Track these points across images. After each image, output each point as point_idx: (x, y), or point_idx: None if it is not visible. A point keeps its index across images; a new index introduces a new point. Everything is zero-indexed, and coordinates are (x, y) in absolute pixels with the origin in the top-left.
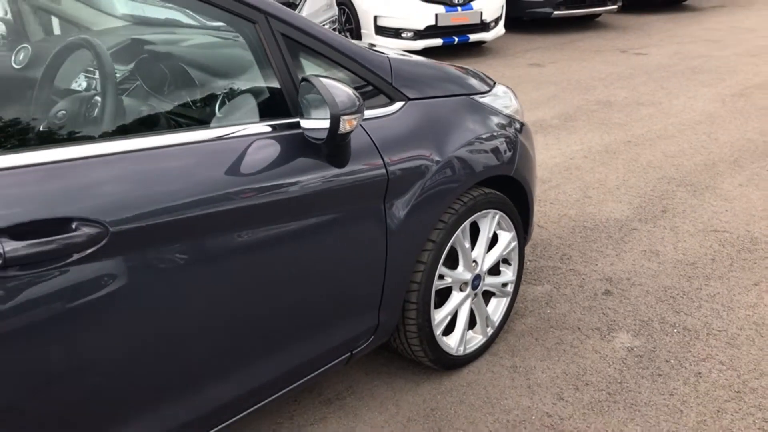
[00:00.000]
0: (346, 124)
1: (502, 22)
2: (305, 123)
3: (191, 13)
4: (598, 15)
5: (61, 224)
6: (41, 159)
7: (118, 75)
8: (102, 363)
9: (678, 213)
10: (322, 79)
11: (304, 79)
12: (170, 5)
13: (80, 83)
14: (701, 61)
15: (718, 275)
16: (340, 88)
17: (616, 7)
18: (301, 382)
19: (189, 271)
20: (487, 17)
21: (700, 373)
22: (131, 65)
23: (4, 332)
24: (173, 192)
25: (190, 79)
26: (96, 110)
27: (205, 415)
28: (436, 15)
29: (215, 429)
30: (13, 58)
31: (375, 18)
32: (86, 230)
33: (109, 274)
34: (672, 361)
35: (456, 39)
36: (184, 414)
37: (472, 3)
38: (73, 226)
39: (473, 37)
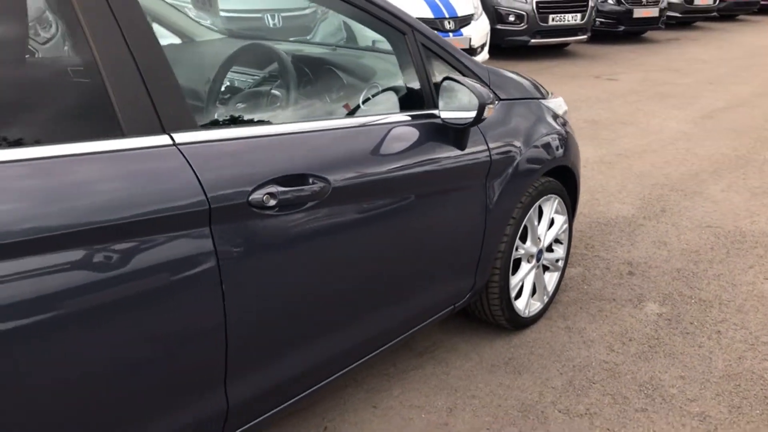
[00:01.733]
0: (488, 111)
1: (486, 48)
2: (447, 113)
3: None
4: (568, 44)
5: (303, 178)
6: (273, 131)
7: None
8: (314, 291)
9: (675, 212)
10: (463, 78)
11: (447, 78)
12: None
13: (246, 79)
14: (668, 87)
15: (718, 260)
16: (478, 85)
17: (585, 37)
18: (420, 326)
19: (367, 227)
20: (475, 43)
21: (719, 332)
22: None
23: (272, 258)
24: (361, 161)
25: (340, 80)
26: (279, 101)
27: (353, 348)
28: None
29: (355, 364)
30: None
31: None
32: (318, 184)
33: (330, 221)
34: (695, 323)
35: None
36: (335, 348)
37: (462, 30)
38: (310, 181)
39: None
